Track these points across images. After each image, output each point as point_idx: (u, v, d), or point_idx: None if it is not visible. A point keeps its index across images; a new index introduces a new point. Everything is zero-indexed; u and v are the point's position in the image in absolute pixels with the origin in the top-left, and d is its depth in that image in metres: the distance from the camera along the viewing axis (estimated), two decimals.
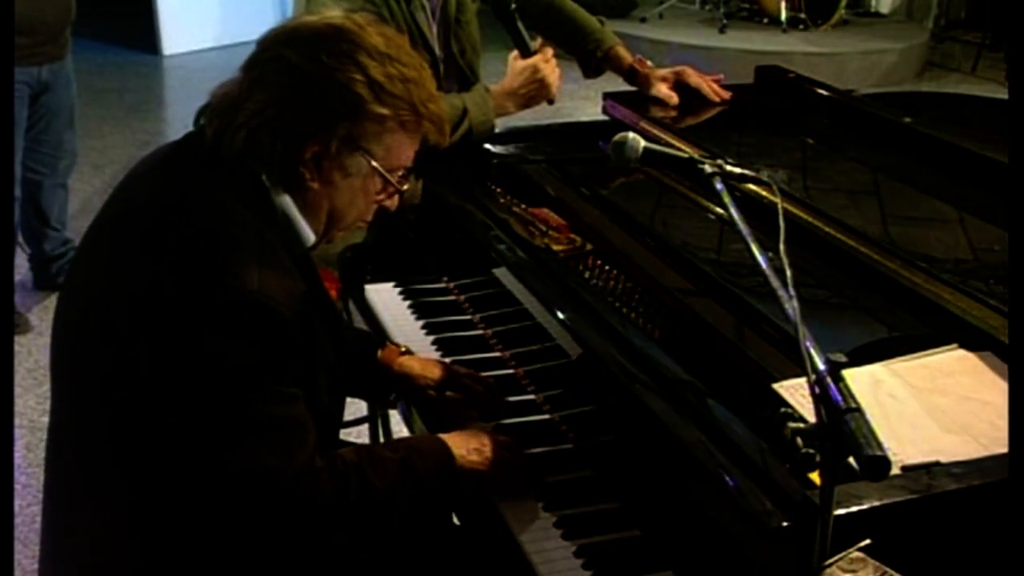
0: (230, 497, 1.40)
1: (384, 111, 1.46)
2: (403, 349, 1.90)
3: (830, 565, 1.17)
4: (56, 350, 1.54)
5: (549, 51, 2.49)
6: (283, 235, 1.49)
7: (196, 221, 1.42)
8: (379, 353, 1.87)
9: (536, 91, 2.48)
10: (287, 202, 1.49)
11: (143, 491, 1.44)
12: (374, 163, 1.50)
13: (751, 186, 1.89)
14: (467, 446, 1.60)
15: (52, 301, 3.85)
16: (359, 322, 2.21)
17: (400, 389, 1.88)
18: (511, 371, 1.92)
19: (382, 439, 2.49)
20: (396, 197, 1.58)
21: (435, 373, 1.85)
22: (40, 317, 3.93)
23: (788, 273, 1.38)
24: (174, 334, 1.36)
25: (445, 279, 2.23)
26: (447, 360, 1.95)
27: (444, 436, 1.63)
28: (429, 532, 1.72)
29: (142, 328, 1.38)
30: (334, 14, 1.52)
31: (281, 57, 1.45)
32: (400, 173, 1.55)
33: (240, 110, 1.45)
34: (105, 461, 1.47)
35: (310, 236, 1.53)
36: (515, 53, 2.49)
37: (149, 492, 1.44)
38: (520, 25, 2.47)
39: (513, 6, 2.46)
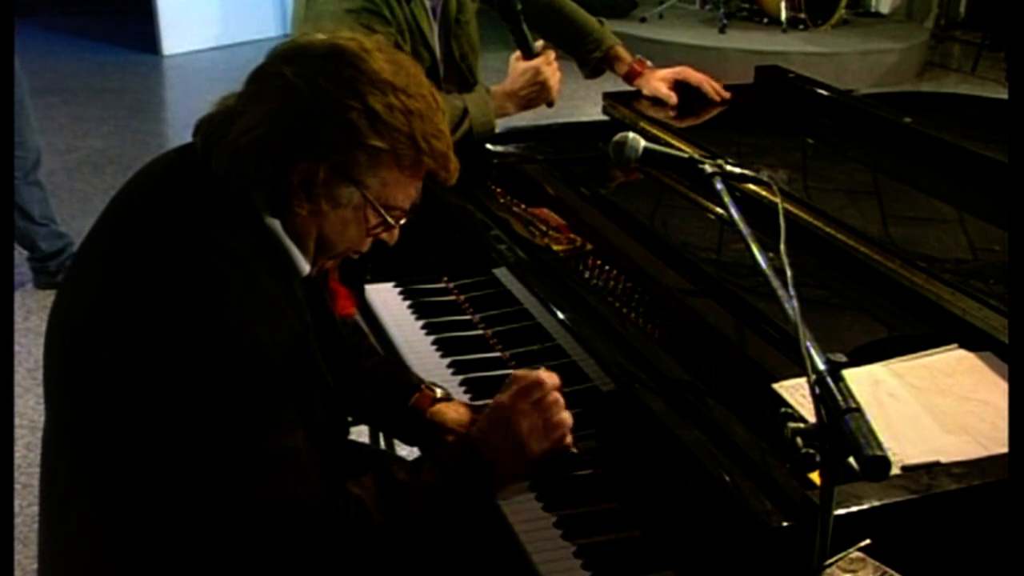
0: (227, 530, 1.40)
1: (379, 144, 1.39)
2: (439, 395, 1.77)
3: (830, 565, 1.17)
4: (48, 359, 1.53)
5: (551, 53, 2.49)
6: (276, 263, 1.45)
7: (184, 256, 1.39)
8: (413, 398, 1.76)
9: (537, 93, 2.48)
10: (276, 226, 1.44)
11: (134, 500, 1.44)
12: (368, 196, 1.43)
13: (751, 186, 1.89)
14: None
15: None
16: (359, 322, 2.21)
17: (429, 439, 1.74)
18: (511, 371, 1.92)
19: (383, 441, 2.49)
20: (396, 232, 1.51)
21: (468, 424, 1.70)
22: (41, 317, 3.92)
23: (788, 273, 1.38)
24: (158, 375, 1.35)
25: (445, 279, 2.23)
26: (453, 362, 1.95)
27: (474, 436, 1.56)
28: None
29: (128, 362, 1.37)
30: (345, 34, 1.46)
31: (280, 74, 1.40)
32: (398, 211, 1.48)
33: (233, 125, 1.41)
34: (96, 471, 1.46)
35: (304, 267, 1.49)
36: (517, 54, 2.49)
37: (141, 503, 1.43)
38: (524, 26, 2.47)
39: (519, 7, 2.46)
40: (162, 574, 1.47)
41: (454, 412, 1.74)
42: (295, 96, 1.38)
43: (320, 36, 1.45)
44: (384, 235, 1.51)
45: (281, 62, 1.42)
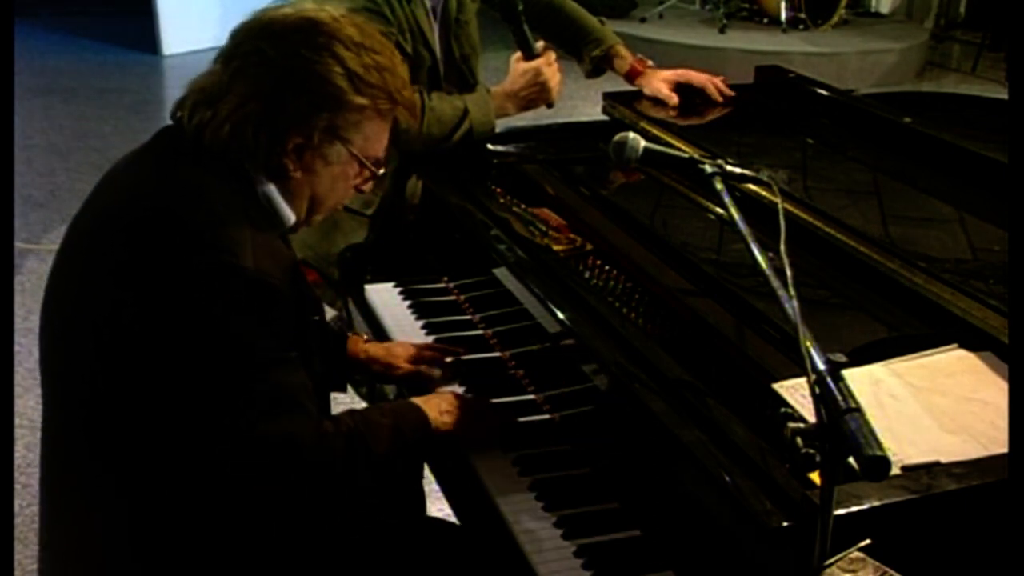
0: (252, 469, 1.43)
1: (363, 101, 1.51)
2: (365, 338, 1.99)
3: (830, 565, 1.17)
4: (42, 351, 1.55)
5: (552, 54, 2.49)
6: (266, 216, 1.53)
7: (185, 204, 1.45)
8: (348, 346, 1.94)
9: (537, 94, 2.48)
10: (271, 189, 1.53)
11: (127, 488, 1.46)
12: (353, 151, 1.55)
13: (751, 186, 1.89)
14: (439, 409, 1.66)
15: None
16: (359, 322, 2.21)
17: (368, 373, 1.95)
18: (511, 371, 1.92)
19: None
20: (372, 181, 1.63)
21: (397, 353, 1.93)
22: None
23: (788, 273, 1.38)
24: (173, 316, 1.38)
25: (445, 279, 2.23)
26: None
27: (418, 401, 1.67)
28: (428, 532, 1.73)
29: (111, 353, 1.40)
30: (307, 5, 1.56)
31: (259, 51, 1.50)
32: (377, 160, 1.59)
33: (221, 103, 1.48)
34: (87, 459, 1.48)
35: (291, 217, 1.57)
36: (517, 55, 2.48)
37: (143, 488, 1.45)
38: (526, 27, 2.47)
39: (520, 7, 2.46)
40: (156, 563, 1.48)
41: (379, 348, 1.96)
42: (281, 69, 1.48)
43: (285, 10, 1.55)
44: (363, 186, 1.63)
45: (256, 39, 1.52)
